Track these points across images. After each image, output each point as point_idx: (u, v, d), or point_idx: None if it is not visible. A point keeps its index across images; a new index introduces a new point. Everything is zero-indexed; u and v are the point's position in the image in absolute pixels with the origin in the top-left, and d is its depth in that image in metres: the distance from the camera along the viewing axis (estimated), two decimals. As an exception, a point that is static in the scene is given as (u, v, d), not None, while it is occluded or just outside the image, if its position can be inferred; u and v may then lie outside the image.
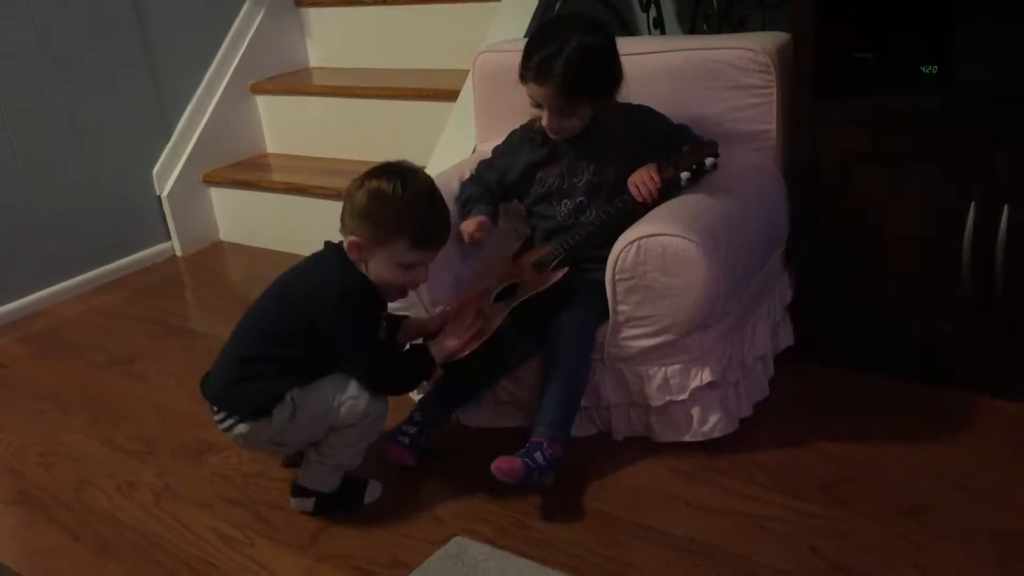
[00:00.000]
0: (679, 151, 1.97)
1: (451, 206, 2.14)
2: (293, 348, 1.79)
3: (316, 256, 1.88)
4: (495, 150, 2.20)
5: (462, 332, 1.90)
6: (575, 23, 1.97)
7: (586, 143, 2.02)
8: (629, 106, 2.04)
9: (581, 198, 2.04)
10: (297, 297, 1.82)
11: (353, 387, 1.80)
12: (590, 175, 2.03)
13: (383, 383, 1.84)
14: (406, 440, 1.96)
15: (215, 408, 1.84)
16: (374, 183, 1.78)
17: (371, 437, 1.87)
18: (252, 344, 1.84)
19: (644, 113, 2.06)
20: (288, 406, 1.77)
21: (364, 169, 1.84)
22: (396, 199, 1.77)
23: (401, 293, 1.88)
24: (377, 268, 1.80)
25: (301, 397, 1.78)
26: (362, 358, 1.80)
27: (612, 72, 1.97)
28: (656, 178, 1.92)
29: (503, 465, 1.77)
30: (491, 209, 2.13)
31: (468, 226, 2.09)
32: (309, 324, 1.78)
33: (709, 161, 1.95)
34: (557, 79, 1.90)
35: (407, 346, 1.99)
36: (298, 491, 1.89)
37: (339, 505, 1.89)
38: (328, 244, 1.87)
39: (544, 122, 1.98)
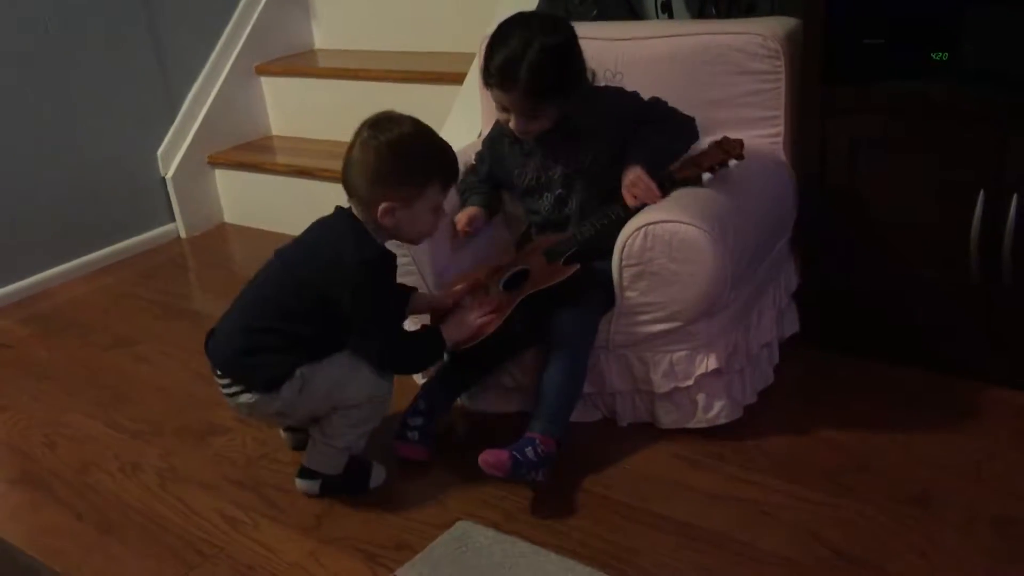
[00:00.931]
0: (679, 130, 1.96)
1: (454, 193, 2.14)
2: (304, 323, 1.77)
3: (324, 225, 1.83)
4: (483, 140, 2.19)
5: (481, 311, 1.89)
6: (535, 23, 1.92)
7: (554, 137, 1.99)
8: (596, 90, 2.01)
9: (560, 191, 2.03)
10: (311, 270, 1.77)
11: (361, 368, 1.79)
12: (564, 168, 2.01)
13: (394, 360, 1.84)
14: (415, 435, 1.95)
15: (219, 373, 1.82)
16: (383, 139, 1.73)
17: (375, 421, 1.87)
18: (261, 316, 1.80)
19: (612, 96, 2.03)
20: (297, 381, 1.76)
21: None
22: (416, 147, 1.74)
23: (418, 241, 1.87)
24: (411, 223, 1.77)
25: (310, 373, 1.77)
26: (376, 333, 1.78)
27: (575, 70, 1.94)
28: (653, 187, 1.89)
29: (490, 458, 1.76)
30: (484, 199, 2.13)
31: (460, 219, 2.09)
32: (323, 299, 1.74)
33: (732, 162, 1.94)
34: (522, 85, 1.86)
35: (419, 326, 1.98)
36: (304, 473, 1.89)
37: (344, 488, 1.88)
38: (338, 209, 1.82)
39: (511, 125, 1.96)
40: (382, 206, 1.73)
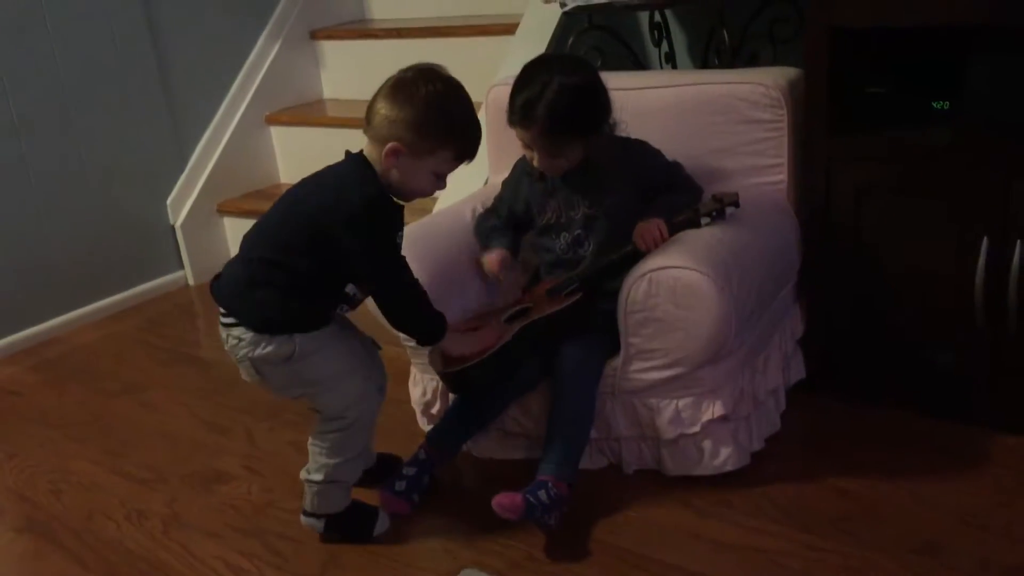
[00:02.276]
0: (699, 199, 1.99)
1: (461, 236, 2.16)
2: (301, 257, 1.71)
3: (333, 166, 1.79)
4: (504, 182, 2.21)
5: (474, 343, 1.89)
6: (555, 64, 1.98)
7: (580, 178, 2.02)
8: (625, 140, 2.05)
9: (579, 231, 2.05)
10: (314, 205, 1.72)
11: (354, 376, 1.79)
12: (585, 209, 2.03)
13: (399, 308, 1.82)
14: (402, 486, 1.94)
15: (222, 312, 1.78)
16: (430, 88, 1.71)
17: (353, 448, 1.84)
18: (262, 247, 1.76)
19: (639, 148, 2.06)
20: (288, 344, 1.73)
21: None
22: (453, 109, 1.73)
23: (410, 199, 1.80)
24: (409, 174, 1.73)
25: (304, 347, 1.74)
26: (381, 274, 1.75)
27: (597, 109, 1.97)
28: (665, 235, 1.93)
29: (504, 501, 1.76)
30: (508, 241, 2.14)
31: (492, 262, 2.10)
32: (324, 236, 1.69)
33: (730, 210, 1.96)
34: (540, 122, 1.90)
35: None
36: (306, 512, 1.89)
37: (348, 531, 1.88)
38: (348, 153, 1.79)
39: (535, 163, 2.00)
40: (390, 144, 1.69)
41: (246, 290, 1.74)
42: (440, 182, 1.78)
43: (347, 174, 1.74)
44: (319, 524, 1.88)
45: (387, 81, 1.75)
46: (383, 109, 1.71)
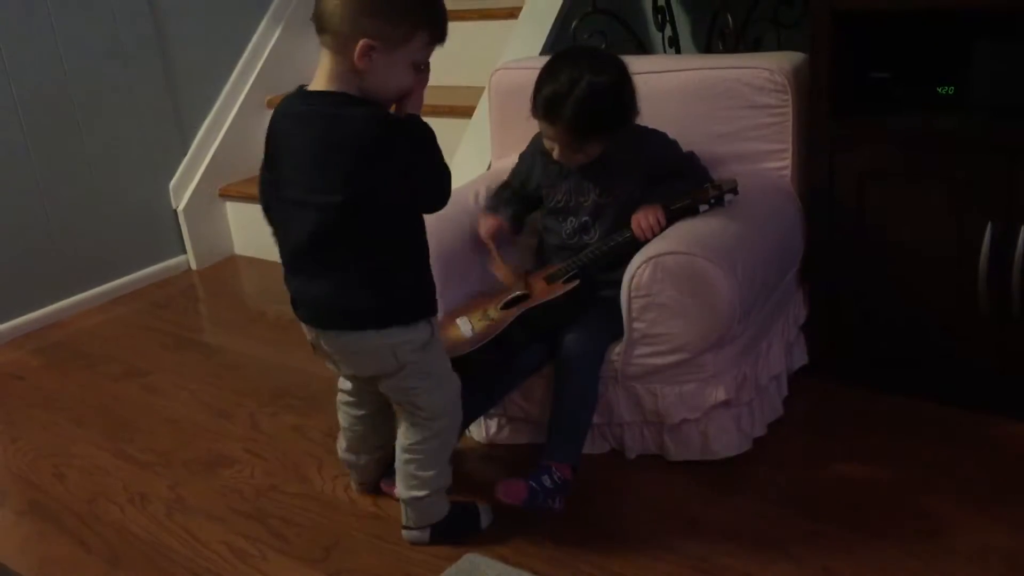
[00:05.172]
0: (699, 187, 1.98)
1: (464, 219, 2.15)
2: (373, 225, 1.57)
3: (301, 122, 1.57)
4: (520, 155, 2.19)
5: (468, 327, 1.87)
6: (585, 59, 1.94)
7: (593, 165, 2.01)
8: (642, 130, 2.04)
9: (586, 218, 2.04)
10: (338, 177, 1.53)
11: (453, 378, 1.74)
12: (596, 196, 2.03)
13: (447, 189, 1.65)
14: None
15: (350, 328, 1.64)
16: None
17: (450, 447, 1.78)
18: (326, 249, 1.59)
19: (657, 138, 2.05)
20: (425, 329, 1.67)
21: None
22: None
23: (395, 101, 1.61)
24: (387, 72, 1.54)
25: (436, 332, 1.69)
26: (440, 171, 1.61)
27: (623, 109, 1.95)
28: (662, 222, 1.92)
29: (508, 488, 1.76)
30: (511, 213, 2.12)
31: (486, 227, 2.07)
32: (373, 194, 1.53)
33: (728, 197, 1.96)
34: (566, 120, 1.89)
35: None
36: (411, 527, 1.82)
37: (458, 534, 1.81)
38: (300, 92, 1.58)
39: (555, 154, 1.99)
40: (362, 42, 1.49)
41: (359, 291, 1.61)
42: (420, 75, 1.59)
43: (336, 119, 1.53)
44: (424, 535, 1.80)
45: None
46: (340, 8, 1.50)
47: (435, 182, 1.63)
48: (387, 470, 1.93)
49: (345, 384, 1.89)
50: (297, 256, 1.64)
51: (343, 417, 1.92)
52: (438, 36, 1.59)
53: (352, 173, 1.52)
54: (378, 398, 1.82)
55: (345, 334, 1.65)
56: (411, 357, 1.66)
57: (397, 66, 1.55)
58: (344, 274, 1.60)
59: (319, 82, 1.56)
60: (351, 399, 1.89)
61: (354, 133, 1.52)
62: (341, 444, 1.96)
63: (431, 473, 1.76)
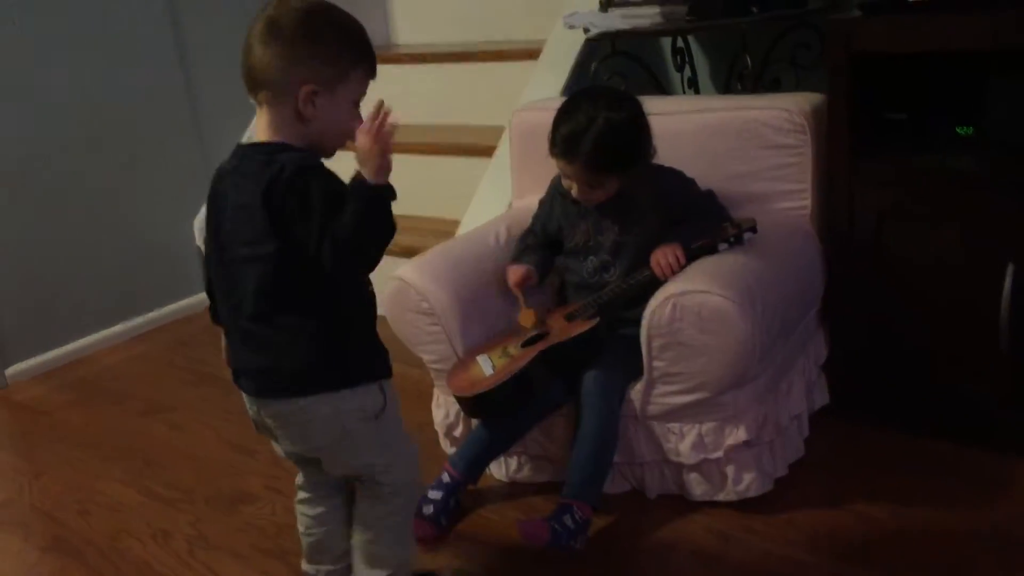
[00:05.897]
0: (719, 226, 1.99)
1: (485, 259, 2.17)
2: (307, 296, 1.47)
3: (237, 171, 1.50)
4: (540, 200, 2.22)
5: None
6: (602, 98, 1.97)
7: (612, 204, 2.03)
8: (659, 168, 2.06)
9: (606, 257, 2.06)
10: (258, 230, 1.43)
11: (410, 444, 1.62)
12: (615, 235, 2.05)
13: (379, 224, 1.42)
14: (430, 510, 1.94)
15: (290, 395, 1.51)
16: (303, 7, 1.45)
17: (411, 518, 1.67)
18: (257, 305, 1.48)
19: (673, 177, 2.07)
20: (376, 394, 1.53)
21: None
22: (340, 20, 1.48)
23: (338, 147, 1.54)
24: (330, 114, 1.48)
25: (390, 397, 1.55)
26: (346, 216, 1.38)
27: (639, 147, 1.98)
28: (682, 260, 1.93)
29: (529, 528, 1.76)
30: (538, 259, 2.14)
31: (514, 275, 2.09)
32: (294, 242, 1.41)
33: (747, 236, 1.97)
34: (583, 157, 1.92)
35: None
36: None
37: None
38: (238, 149, 1.53)
39: (574, 192, 2.01)
40: (304, 89, 1.44)
41: (306, 352, 1.48)
42: (356, 111, 1.51)
43: (259, 163, 1.44)
44: None
45: (251, 30, 1.46)
46: (269, 55, 1.43)
47: (346, 238, 1.38)
48: None
49: (299, 478, 1.73)
50: (241, 320, 1.53)
51: (300, 520, 1.74)
52: (372, 69, 1.54)
53: (276, 219, 1.42)
54: (335, 490, 1.69)
55: (291, 401, 1.50)
56: (361, 427, 1.53)
57: (341, 106, 1.49)
58: (290, 334, 1.48)
59: (259, 136, 1.51)
60: (306, 495, 1.72)
61: (276, 177, 1.41)
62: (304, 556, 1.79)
63: (400, 550, 1.65)
